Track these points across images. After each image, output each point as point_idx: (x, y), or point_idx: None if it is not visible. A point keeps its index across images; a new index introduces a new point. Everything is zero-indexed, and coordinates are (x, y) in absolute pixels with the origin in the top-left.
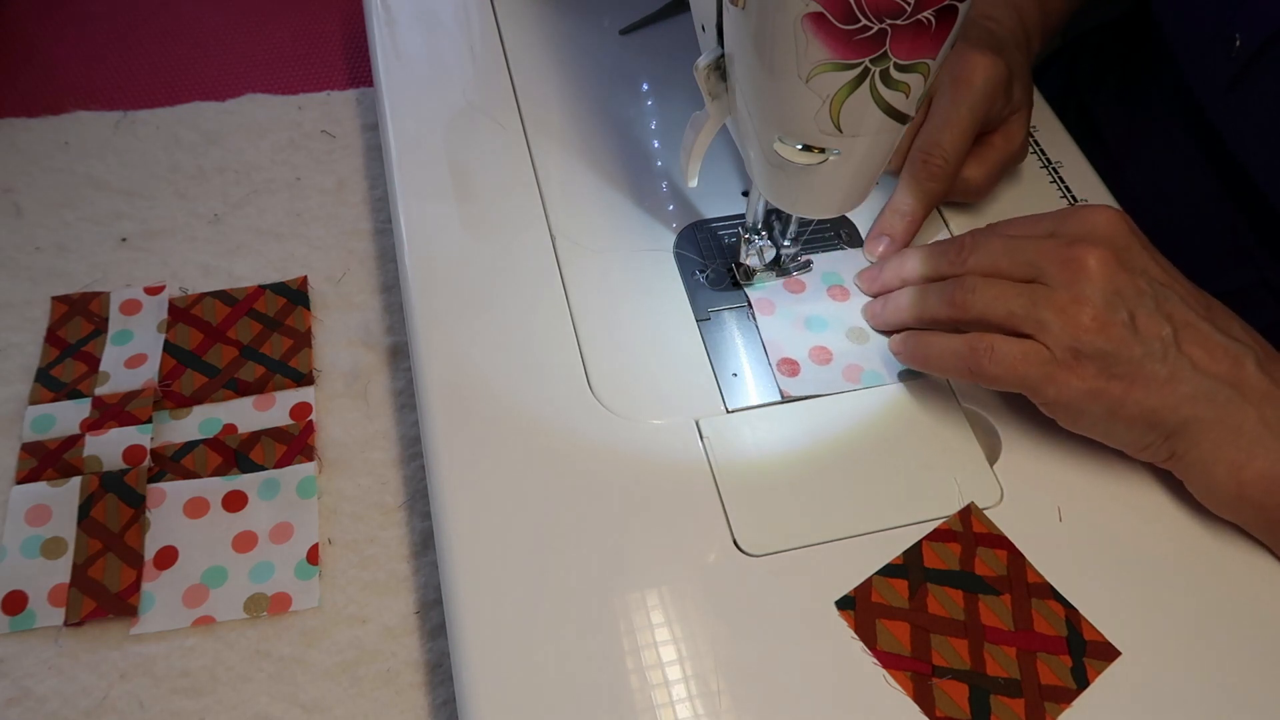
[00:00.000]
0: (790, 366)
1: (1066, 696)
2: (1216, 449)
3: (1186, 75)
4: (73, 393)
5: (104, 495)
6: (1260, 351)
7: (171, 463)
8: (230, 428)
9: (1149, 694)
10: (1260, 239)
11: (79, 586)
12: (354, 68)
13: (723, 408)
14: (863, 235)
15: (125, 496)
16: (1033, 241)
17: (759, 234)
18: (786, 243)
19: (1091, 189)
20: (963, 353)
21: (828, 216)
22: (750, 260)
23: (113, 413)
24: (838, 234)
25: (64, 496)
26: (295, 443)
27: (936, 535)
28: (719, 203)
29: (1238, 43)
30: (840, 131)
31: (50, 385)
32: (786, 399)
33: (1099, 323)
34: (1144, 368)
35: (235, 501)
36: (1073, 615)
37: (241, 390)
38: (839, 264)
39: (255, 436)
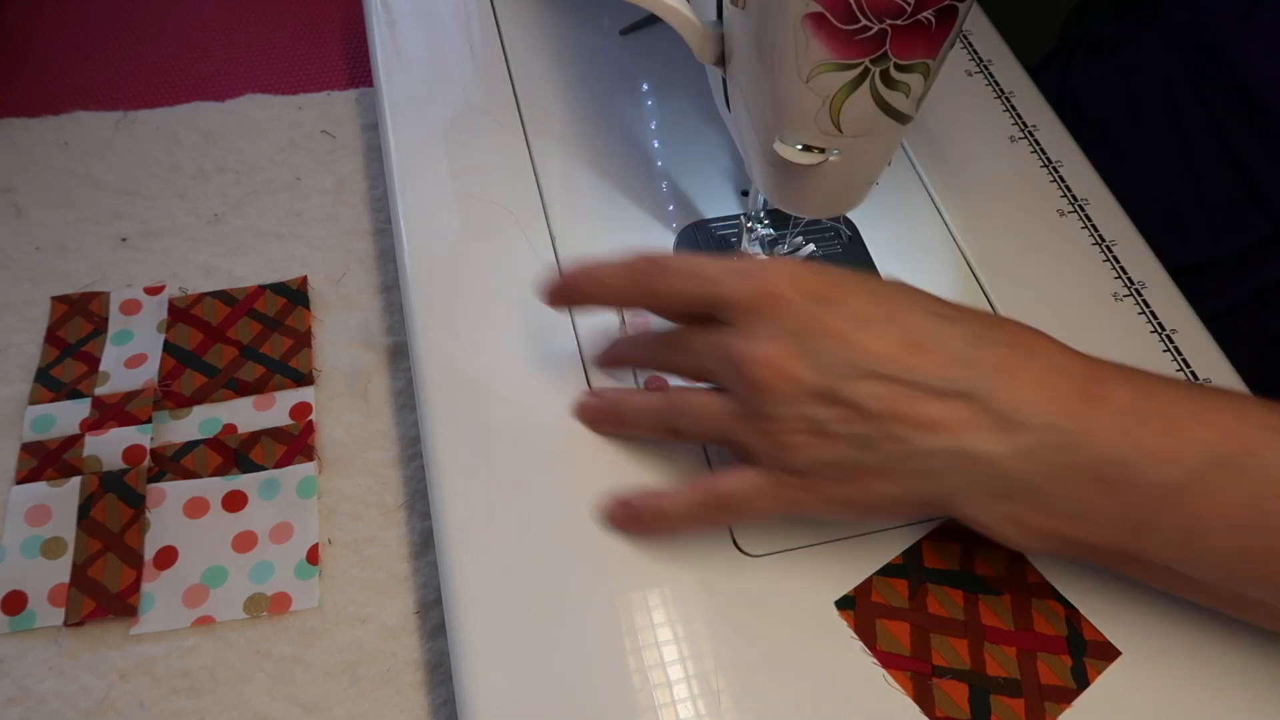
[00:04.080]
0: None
1: (1066, 696)
2: (1001, 520)
3: (1201, 6)
4: (72, 393)
5: (104, 495)
6: (986, 377)
7: (171, 463)
8: (230, 428)
9: (1149, 694)
10: (1275, 189)
11: (79, 586)
12: (354, 68)
13: None
14: (864, 236)
15: (125, 496)
16: (696, 335)
17: (760, 222)
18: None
19: (1092, 188)
20: (702, 511)
21: (828, 216)
22: (752, 249)
23: (113, 413)
24: (837, 234)
25: (64, 496)
26: (295, 443)
27: (936, 535)
28: (719, 203)
29: None
30: (840, 131)
31: (50, 385)
32: None
33: (799, 437)
34: (865, 461)
35: (235, 501)
36: (1073, 615)
37: (241, 390)
38: None
39: (255, 436)
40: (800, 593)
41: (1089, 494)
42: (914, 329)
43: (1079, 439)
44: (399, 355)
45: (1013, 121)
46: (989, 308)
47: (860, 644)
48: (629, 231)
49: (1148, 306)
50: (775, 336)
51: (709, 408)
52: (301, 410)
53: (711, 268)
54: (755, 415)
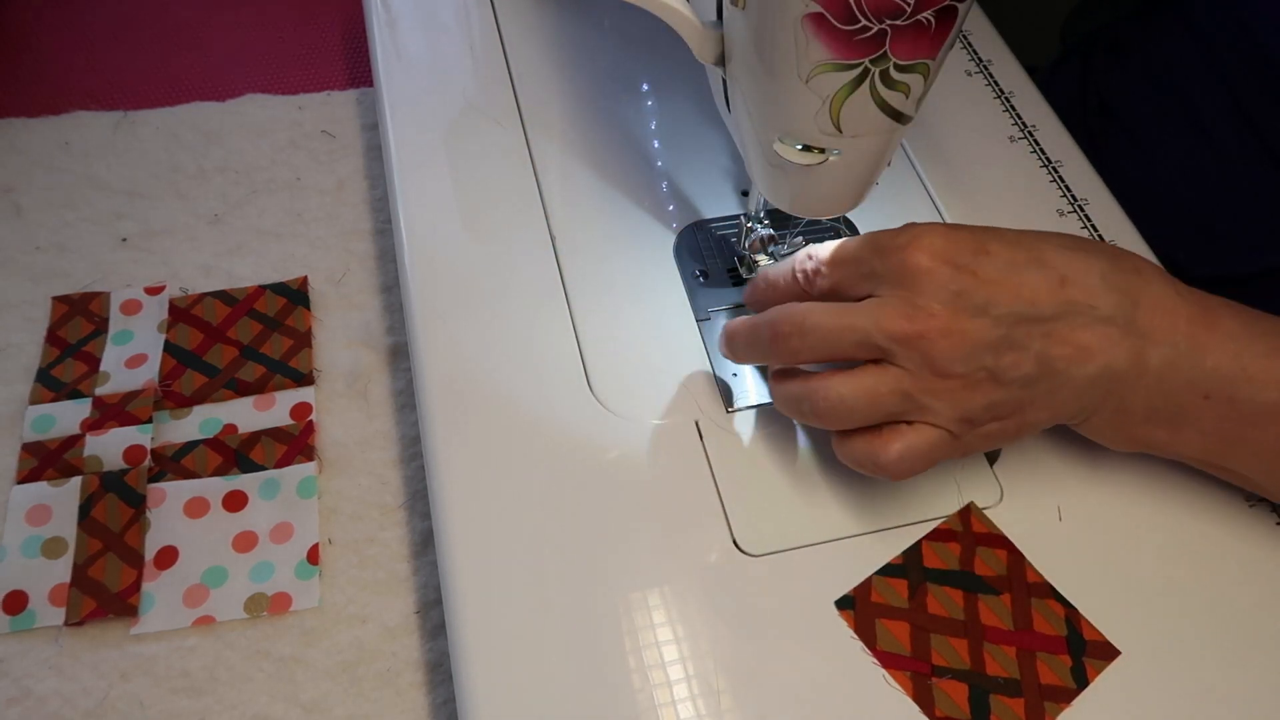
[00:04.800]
0: None
1: (1066, 696)
2: (1108, 423)
3: (1244, 14)
4: (73, 393)
5: (104, 495)
6: (1125, 301)
7: (172, 463)
8: (230, 428)
9: (1149, 694)
10: None
11: (79, 586)
12: (354, 68)
13: (723, 408)
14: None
15: (125, 496)
16: (848, 316)
17: (760, 222)
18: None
19: (1092, 188)
20: (860, 461)
21: (828, 216)
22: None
23: (113, 413)
24: (837, 234)
25: (64, 496)
26: (295, 443)
27: (936, 535)
28: (719, 203)
29: None
30: (840, 132)
31: (50, 385)
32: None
33: (980, 388)
34: (1025, 397)
35: (235, 501)
36: (1073, 615)
37: (241, 390)
38: None
39: (255, 436)
40: (800, 593)
41: (1194, 407)
42: (1059, 265)
43: (1194, 358)
44: (399, 355)
45: (1013, 121)
46: None
47: (860, 644)
48: (629, 231)
49: None
50: (942, 300)
51: (866, 388)
52: (302, 410)
53: (849, 249)
54: (935, 377)
